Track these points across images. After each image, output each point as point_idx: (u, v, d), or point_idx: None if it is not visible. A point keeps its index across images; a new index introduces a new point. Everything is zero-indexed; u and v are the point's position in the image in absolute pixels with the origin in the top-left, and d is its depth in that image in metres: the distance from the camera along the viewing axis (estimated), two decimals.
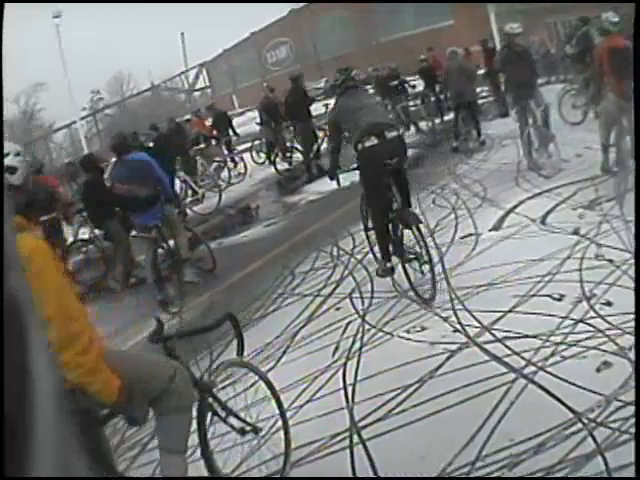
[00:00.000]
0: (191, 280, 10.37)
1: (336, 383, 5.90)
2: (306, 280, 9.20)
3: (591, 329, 5.64)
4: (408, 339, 6.43)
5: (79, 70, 47.66)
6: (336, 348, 6.62)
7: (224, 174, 20.03)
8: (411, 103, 21.21)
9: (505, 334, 5.93)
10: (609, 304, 6.02)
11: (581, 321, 5.83)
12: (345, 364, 6.21)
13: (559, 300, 6.35)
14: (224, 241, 13.44)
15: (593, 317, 5.85)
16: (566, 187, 9.87)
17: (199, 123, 21.93)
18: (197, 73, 65.35)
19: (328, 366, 6.26)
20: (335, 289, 8.47)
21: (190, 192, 17.89)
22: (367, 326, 6.99)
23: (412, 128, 20.36)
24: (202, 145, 19.99)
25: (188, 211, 17.09)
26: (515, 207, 9.64)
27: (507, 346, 5.70)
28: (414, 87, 21.70)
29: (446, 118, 19.87)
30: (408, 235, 7.52)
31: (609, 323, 5.64)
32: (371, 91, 23.61)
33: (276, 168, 18.83)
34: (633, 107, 6.88)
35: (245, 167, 20.81)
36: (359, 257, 9.40)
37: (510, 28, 11.29)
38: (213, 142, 20.88)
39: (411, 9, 40.01)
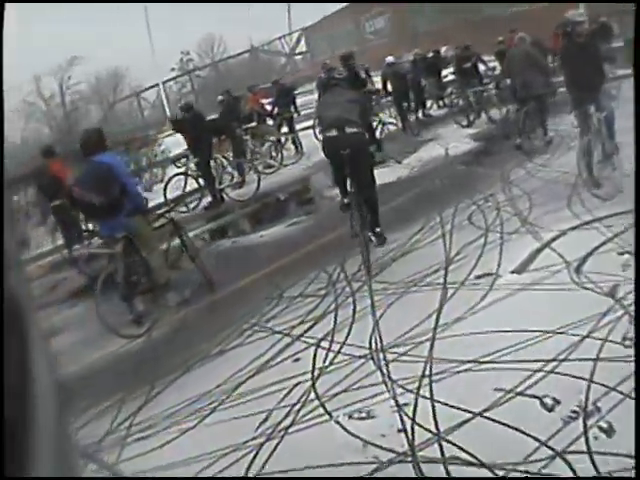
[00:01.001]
0: (174, 304, 9.03)
1: (238, 470, 4.76)
2: (288, 309, 7.91)
3: None
4: (345, 428, 4.95)
5: (166, 32, 46.62)
6: (265, 419, 5.41)
7: (278, 155, 18.43)
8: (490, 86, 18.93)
9: (459, 452, 4.18)
10: (608, 432, 4.14)
11: (559, 455, 4.01)
12: (261, 446, 4.99)
13: (549, 410, 4.48)
14: (238, 240, 12.12)
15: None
16: (619, 217, 7.82)
17: (253, 99, 20.16)
18: (299, 37, 64.19)
19: (244, 443, 5.06)
20: (309, 329, 7.08)
21: (229, 176, 16.39)
22: (312, 395, 5.60)
23: (483, 116, 18.18)
24: (253, 123, 18.38)
25: (225, 196, 15.72)
26: (554, 240, 7.71)
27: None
28: (493, 69, 19.60)
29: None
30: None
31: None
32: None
33: None
34: (634, 108, 5.91)
35: (300, 147, 19.14)
36: (356, 285, 7.93)
37: (572, 15, 9.21)
38: (269, 120, 19.25)
39: None
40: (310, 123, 20.42)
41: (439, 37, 34.60)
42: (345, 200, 9.17)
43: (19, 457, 0.72)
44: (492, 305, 6.41)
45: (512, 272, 7.10)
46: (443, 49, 26.80)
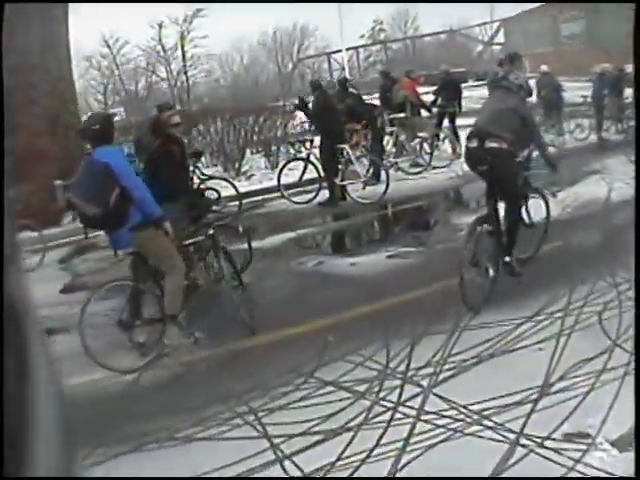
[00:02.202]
0: (176, 343, 6.81)
1: None
2: (312, 394, 5.60)
3: None
4: None
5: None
6: None
7: (427, 155, 15.79)
8: None
9: None
10: None
11: None
12: None
13: None
14: (323, 262, 9.72)
15: None
16: None
17: (408, 85, 16.74)
18: (498, 27, 60.74)
19: None
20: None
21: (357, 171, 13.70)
22: None
23: None
24: (402, 114, 15.78)
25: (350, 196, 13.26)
26: None
27: None
28: None
29: None
30: None
31: None
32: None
33: None
34: (634, 108, 4.03)
35: (458, 149, 16.41)
36: (418, 377, 5.69)
37: None
38: (424, 112, 16.64)
39: None
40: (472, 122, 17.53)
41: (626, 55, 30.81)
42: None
43: (18, 458, 0.69)
44: None
45: None
46: (629, 67, 23.10)
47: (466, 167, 13.64)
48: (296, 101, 14.37)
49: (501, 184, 7.38)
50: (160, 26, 41.50)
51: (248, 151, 18.47)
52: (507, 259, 7.55)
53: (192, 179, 11.21)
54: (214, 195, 12.32)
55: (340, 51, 49.79)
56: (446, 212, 12.19)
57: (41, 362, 0.76)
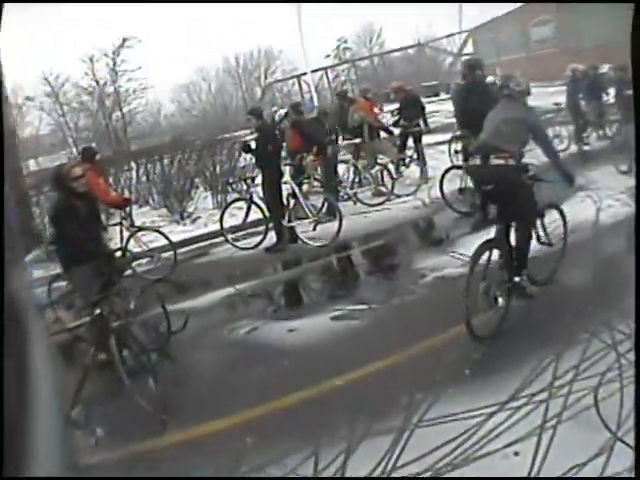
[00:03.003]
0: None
1: None
2: None
3: None
4: None
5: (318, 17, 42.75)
6: None
7: (392, 180, 14.12)
8: None
9: None
10: None
11: None
12: None
13: None
14: (257, 329, 8.18)
15: None
16: None
17: (365, 105, 15.14)
18: (466, 38, 59.80)
19: None
20: None
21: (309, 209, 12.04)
22: None
23: None
24: (358, 140, 14.25)
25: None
26: None
27: None
28: None
29: None
30: None
31: None
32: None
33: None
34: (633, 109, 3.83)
35: (425, 172, 14.89)
36: None
37: None
38: (383, 134, 15.04)
39: None
40: (444, 138, 15.99)
41: (607, 54, 29.73)
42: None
43: (19, 457, 0.73)
44: None
45: None
46: (605, 67, 21.65)
47: (434, 193, 12.27)
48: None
49: (509, 203, 6.74)
50: (91, 60, 39.57)
51: (200, 189, 16.90)
52: (517, 279, 6.90)
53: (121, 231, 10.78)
54: (147, 246, 11.27)
55: (306, 74, 48.41)
56: (410, 253, 10.55)
57: (41, 362, 0.80)
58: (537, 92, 17.14)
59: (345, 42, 55.91)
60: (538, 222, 7.39)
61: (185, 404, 6.12)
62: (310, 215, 11.62)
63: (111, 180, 16.05)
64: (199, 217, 15.55)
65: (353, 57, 55.27)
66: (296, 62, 50.41)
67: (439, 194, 12.13)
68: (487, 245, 6.71)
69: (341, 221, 11.15)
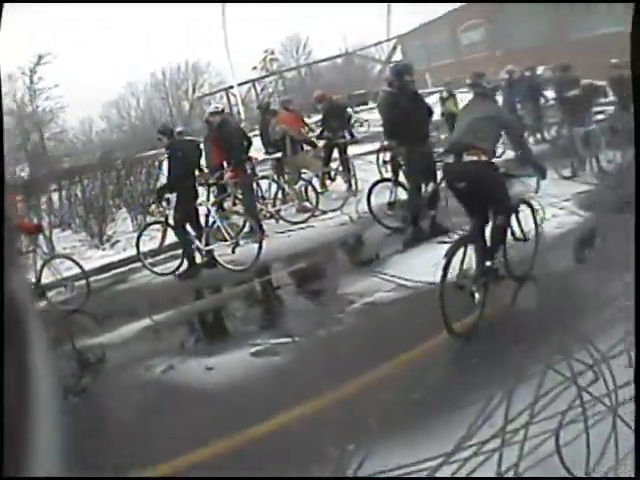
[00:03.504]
0: None
1: None
2: None
3: None
4: None
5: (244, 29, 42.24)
6: None
7: (318, 195, 13.31)
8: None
9: None
10: None
11: None
12: None
13: None
14: (174, 368, 7.23)
15: None
16: None
17: (287, 118, 14.27)
18: (395, 45, 59.99)
19: None
20: None
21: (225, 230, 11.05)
22: None
23: (593, 165, 12.86)
24: (278, 154, 13.49)
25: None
26: None
27: None
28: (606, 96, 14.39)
29: None
30: None
31: None
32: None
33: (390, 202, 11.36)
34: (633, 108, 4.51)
35: (354, 184, 14.12)
36: None
37: None
38: (306, 147, 14.25)
39: (605, 7, 32.70)
40: (375, 147, 15.21)
41: (538, 55, 29.72)
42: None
43: (19, 457, 0.70)
44: None
45: None
46: (540, 69, 21.35)
47: (362, 208, 11.51)
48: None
49: (483, 200, 6.82)
50: (10, 79, 38.08)
51: (122, 210, 15.97)
52: (488, 263, 6.82)
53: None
54: (60, 275, 10.34)
55: (232, 87, 47.77)
56: (336, 276, 9.69)
57: (41, 362, 0.76)
58: (468, 97, 16.75)
59: (272, 53, 55.49)
60: (513, 218, 7.34)
61: (94, 458, 5.19)
62: (227, 237, 10.74)
63: (33, 203, 15.15)
64: (118, 241, 14.60)
65: (280, 68, 54.91)
66: (224, 75, 49.90)
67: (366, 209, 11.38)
68: (461, 242, 6.69)
69: (261, 243, 10.28)
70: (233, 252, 10.63)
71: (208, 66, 51.94)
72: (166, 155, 11.32)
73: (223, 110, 13.05)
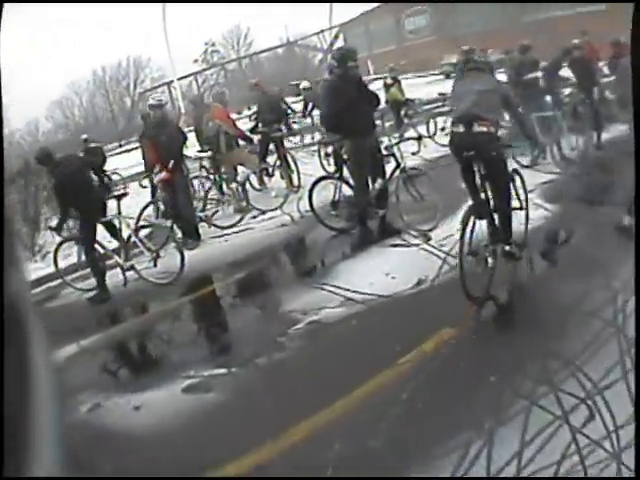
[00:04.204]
0: None
1: None
2: None
3: None
4: None
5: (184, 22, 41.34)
6: None
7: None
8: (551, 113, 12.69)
9: None
10: None
11: None
12: None
13: None
14: (100, 405, 6.18)
15: None
16: None
17: (220, 112, 13.12)
18: (337, 33, 59.53)
19: None
20: None
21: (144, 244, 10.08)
22: None
23: (555, 153, 12.08)
24: (210, 152, 12.61)
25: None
26: None
27: None
28: (567, 80, 13.61)
29: (609, 136, 12.09)
30: None
31: None
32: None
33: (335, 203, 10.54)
34: (633, 108, 4.34)
35: (296, 179, 13.23)
36: None
37: None
38: (242, 142, 13.22)
39: None
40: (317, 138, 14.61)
41: (486, 40, 29.20)
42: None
43: (19, 457, 0.70)
44: None
45: None
46: (489, 52, 20.84)
47: (304, 205, 10.56)
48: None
49: (490, 169, 7.05)
50: None
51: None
52: (507, 248, 7.24)
53: None
54: None
55: (172, 81, 46.75)
56: (277, 289, 8.69)
57: (41, 362, 0.76)
58: (413, 83, 15.85)
59: (213, 45, 54.58)
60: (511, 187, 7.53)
61: None
62: (145, 250, 9.74)
63: None
64: (49, 252, 13.47)
65: (221, 60, 53.98)
66: (165, 69, 49.07)
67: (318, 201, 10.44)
68: (472, 210, 6.96)
69: (183, 254, 9.30)
70: (155, 265, 9.60)
71: (149, 61, 50.82)
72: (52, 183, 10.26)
73: (164, 103, 11.98)
